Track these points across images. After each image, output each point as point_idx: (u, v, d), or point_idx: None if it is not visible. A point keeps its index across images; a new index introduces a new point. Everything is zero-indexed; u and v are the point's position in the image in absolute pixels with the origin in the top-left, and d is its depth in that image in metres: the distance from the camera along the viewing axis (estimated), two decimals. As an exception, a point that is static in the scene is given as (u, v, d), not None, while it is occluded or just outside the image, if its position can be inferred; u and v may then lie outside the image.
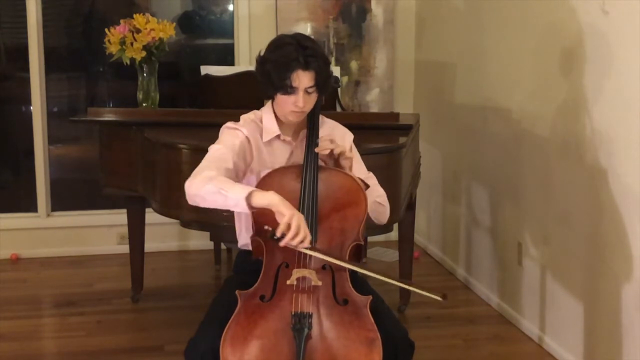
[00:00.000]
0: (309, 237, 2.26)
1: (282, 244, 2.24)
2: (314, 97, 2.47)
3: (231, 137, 2.52)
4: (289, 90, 2.42)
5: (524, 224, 3.90)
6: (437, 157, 4.96)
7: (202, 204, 2.37)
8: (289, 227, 2.22)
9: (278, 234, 2.23)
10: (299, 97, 2.42)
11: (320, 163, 2.49)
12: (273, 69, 2.41)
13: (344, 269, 2.39)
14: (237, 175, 2.47)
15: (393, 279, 2.36)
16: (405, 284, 2.54)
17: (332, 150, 2.48)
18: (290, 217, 2.22)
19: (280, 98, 2.46)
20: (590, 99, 3.26)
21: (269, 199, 2.26)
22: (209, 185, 2.30)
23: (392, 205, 3.30)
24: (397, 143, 3.43)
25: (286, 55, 2.40)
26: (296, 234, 2.22)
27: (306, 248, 2.29)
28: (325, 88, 2.49)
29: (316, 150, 2.45)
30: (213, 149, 2.50)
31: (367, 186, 2.53)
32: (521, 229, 3.92)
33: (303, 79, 2.41)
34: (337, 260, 2.34)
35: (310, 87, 2.42)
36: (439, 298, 2.24)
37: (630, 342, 3.06)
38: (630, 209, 3.02)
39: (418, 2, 5.23)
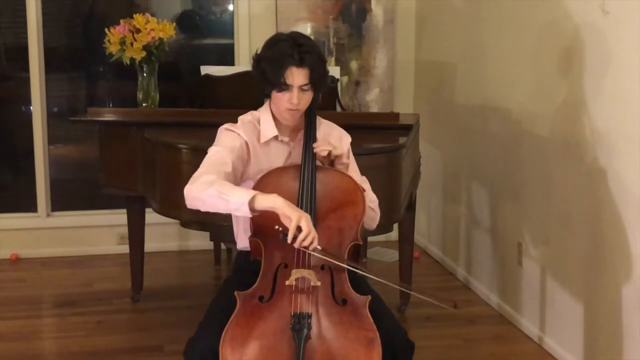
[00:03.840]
0: (317, 237, 2.26)
1: (296, 245, 2.25)
2: (309, 95, 2.46)
3: (230, 139, 2.51)
4: (284, 87, 2.41)
5: (524, 224, 3.90)
6: (437, 157, 4.96)
7: (202, 208, 2.35)
8: (299, 229, 2.22)
9: (289, 237, 2.23)
10: (293, 95, 2.42)
11: (318, 163, 2.48)
12: (268, 66, 2.42)
13: (342, 269, 2.39)
14: (236, 178, 2.46)
15: (395, 283, 2.38)
16: (412, 290, 2.52)
17: (329, 152, 2.47)
18: (298, 219, 2.22)
19: (275, 96, 2.46)
20: (590, 98, 3.26)
21: (272, 202, 2.25)
22: (210, 190, 2.29)
23: (392, 205, 3.32)
24: (397, 143, 3.43)
25: (280, 52, 2.40)
26: (307, 235, 2.23)
27: (315, 250, 2.29)
28: (321, 85, 2.48)
29: (314, 147, 2.45)
30: (212, 151, 2.48)
31: (363, 190, 2.52)
32: (521, 229, 3.92)
33: (297, 76, 2.40)
34: (343, 263, 2.35)
35: (305, 84, 2.42)
36: (449, 307, 2.30)
37: (630, 342, 3.06)
38: (630, 208, 3.02)
39: (418, 2, 5.23)
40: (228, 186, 2.31)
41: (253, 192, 2.27)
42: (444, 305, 2.32)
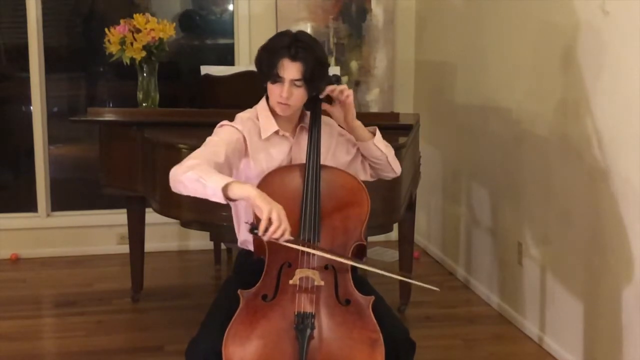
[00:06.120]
0: (288, 229, 2.22)
1: (265, 238, 2.21)
2: (300, 92, 2.45)
3: (227, 132, 2.52)
4: (276, 79, 2.43)
5: (524, 224, 3.90)
6: (437, 157, 4.96)
7: (184, 192, 2.33)
8: (270, 221, 2.19)
9: (261, 229, 2.19)
10: (283, 88, 2.43)
11: (323, 163, 2.49)
12: (264, 56, 2.45)
13: (346, 269, 2.39)
14: (230, 170, 2.45)
15: (391, 273, 2.40)
16: (404, 276, 2.53)
17: (339, 94, 2.52)
18: (269, 211, 2.19)
19: (269, 87, 2.48)
20: (590, 98, 3.26)
21: (246, 192, 2.22)
22: (190, 173, 2.28)
23: (392, 205, 3.33)
24: (397, 143, 3.43)
25: (278, 43, 2.44)
26: (277, 228, 2.19)
27: (305, 246, 2.28)
28: (314, 85, 2.47)
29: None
30: (207, 140, 2.49)
31: (373, 135, 2.61)
32: (521, 229, 3.92)
33: (289, 69, 2.41)
34: (338, 257, 2.34)
35: (297, 79, 2.42)
36: (435, 289, 2.34)
37: (630, 342, 3.06)
38: (630, 208, 3.03)
39: (418, 2, 5.23)
40: (209, 171, 2.29)
41: (230, 179, 2.25)
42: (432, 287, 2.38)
